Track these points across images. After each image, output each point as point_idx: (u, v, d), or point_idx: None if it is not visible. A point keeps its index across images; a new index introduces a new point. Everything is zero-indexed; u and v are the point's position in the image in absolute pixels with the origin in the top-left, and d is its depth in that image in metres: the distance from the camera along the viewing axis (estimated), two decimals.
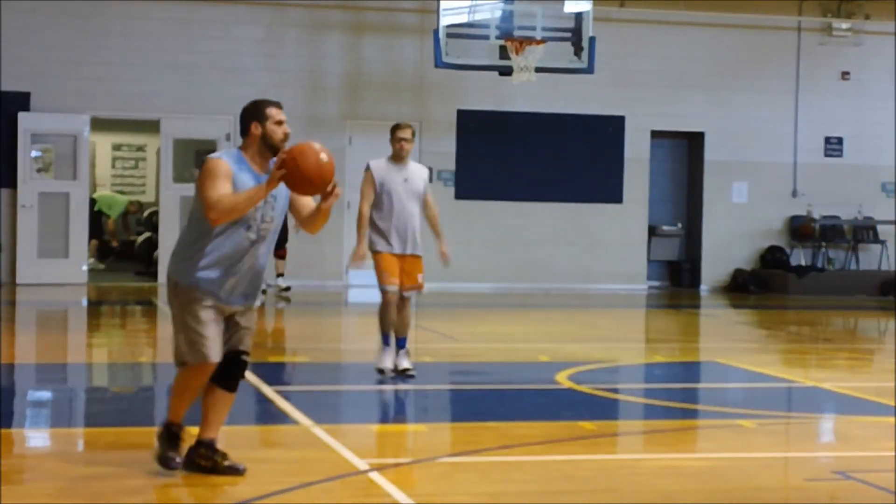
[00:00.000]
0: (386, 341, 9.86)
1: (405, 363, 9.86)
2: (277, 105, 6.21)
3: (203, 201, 6.03)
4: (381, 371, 9.86)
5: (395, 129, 9.85)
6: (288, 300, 17.30)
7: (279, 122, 6.14)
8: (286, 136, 6.18)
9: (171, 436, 6.36)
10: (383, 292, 9.77)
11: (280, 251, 17.80)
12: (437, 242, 9.96)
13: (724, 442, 7.72)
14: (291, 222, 6.64)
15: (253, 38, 19.30)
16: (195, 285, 6.15)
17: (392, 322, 9.80)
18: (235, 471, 6.31)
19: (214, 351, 6.19)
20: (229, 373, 6.33)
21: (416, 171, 9.98)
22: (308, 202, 6.40)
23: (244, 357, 6.39)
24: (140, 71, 19.00)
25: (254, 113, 6.17)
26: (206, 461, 6.32)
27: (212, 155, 6.20)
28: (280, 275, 17.97)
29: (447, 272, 21.51)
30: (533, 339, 13.47)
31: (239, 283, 6.22)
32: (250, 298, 6.32)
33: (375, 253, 9.78)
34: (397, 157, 9.83)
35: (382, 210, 9.75)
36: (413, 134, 9.91)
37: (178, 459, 6.33)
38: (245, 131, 6.20)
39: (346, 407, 9.16)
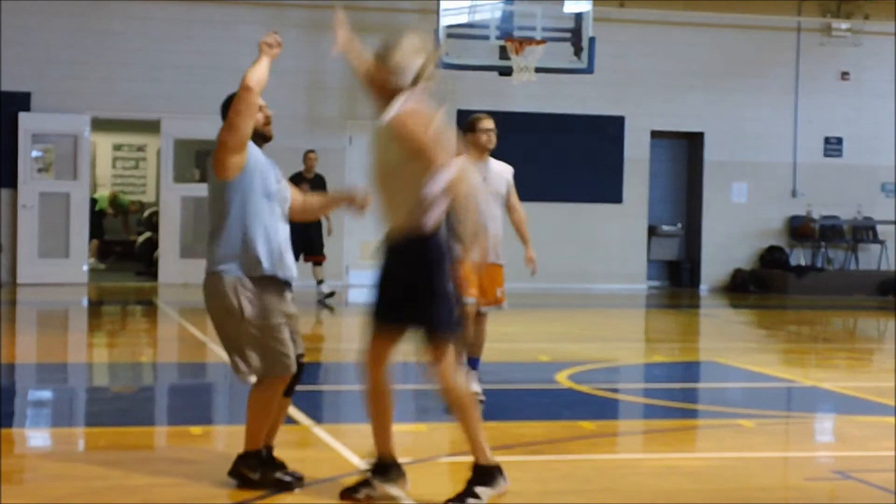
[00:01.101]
0: (471, 366, 8.66)
1: (474, 387, 8.43)
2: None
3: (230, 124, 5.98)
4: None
5: (477, 120, 8.79)
6: (331, 308, 16.51)
7: (259, 109, 6.16)
8: (268, 120, 6.24)
9: (264, 460, 6.14)
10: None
11: (318, 257, 16.85)
12: (524, 248, 9.25)
13: (723, 442, 7.72)
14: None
15: (253, 38, 19.09)
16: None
17: (468, 339, 8.59)
18: (286, 484, 6.10)
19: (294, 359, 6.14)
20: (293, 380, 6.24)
21: (498, 170, 8.91)
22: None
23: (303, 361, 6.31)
24: (140, 71, 19.01)
25: None
26: (255, 473, 6.13)
27: None
28: (320, 281, 16.88)
29: None
30: (533, 338, 13.47)
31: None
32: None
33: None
34: (481, 152, 8.70)
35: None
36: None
37: (288, 474, 6.16)
38: None
39: (347, 407, 9.14)
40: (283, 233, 6.15)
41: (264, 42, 6.18)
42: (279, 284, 6.10)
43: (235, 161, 6.01)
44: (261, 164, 6.11)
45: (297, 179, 16.02)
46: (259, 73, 6.09)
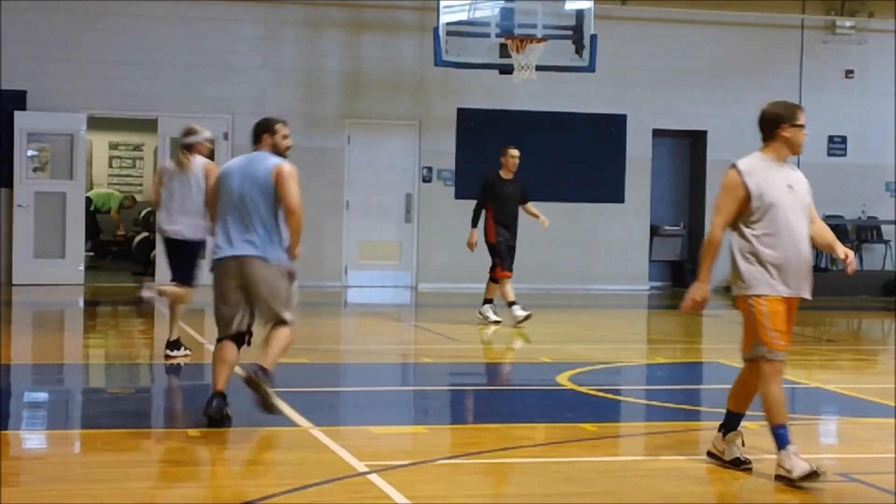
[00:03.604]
0: (784, 439, 6.55)
1: (733, 449, 6.83)
2: (285, 122, 7.99)
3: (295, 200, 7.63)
4: (808, 477, 6.39)
5: (798, 111, 6.78)
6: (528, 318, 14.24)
7: (285, 136, 7.87)
8: (289, 147, 7.87)
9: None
10: (768, 360, 6.77)
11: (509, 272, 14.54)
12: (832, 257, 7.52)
13: None
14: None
15: (251, 36, 19.22)
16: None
17: (781, 402, 6.74)
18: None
19: None
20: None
21: (799, 177, 6.90)
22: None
23: None
24: (137, 69, 18.92)
25: (266, 126, 7.93)
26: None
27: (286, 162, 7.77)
28: (512, 303, 14.32)
29: (446, 272, 21.31)
30: (534, 339, 13.40)
31: None
32: None
33: (756, 297, 6.72)
34: (789, 150, 6.82)
35: (765, 230, 6.69)
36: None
37: None
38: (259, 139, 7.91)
39: (345, 409, 9.12)
40: None
41: None
42: None
43: None
44: None
45: (494, 182, 14.32)
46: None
